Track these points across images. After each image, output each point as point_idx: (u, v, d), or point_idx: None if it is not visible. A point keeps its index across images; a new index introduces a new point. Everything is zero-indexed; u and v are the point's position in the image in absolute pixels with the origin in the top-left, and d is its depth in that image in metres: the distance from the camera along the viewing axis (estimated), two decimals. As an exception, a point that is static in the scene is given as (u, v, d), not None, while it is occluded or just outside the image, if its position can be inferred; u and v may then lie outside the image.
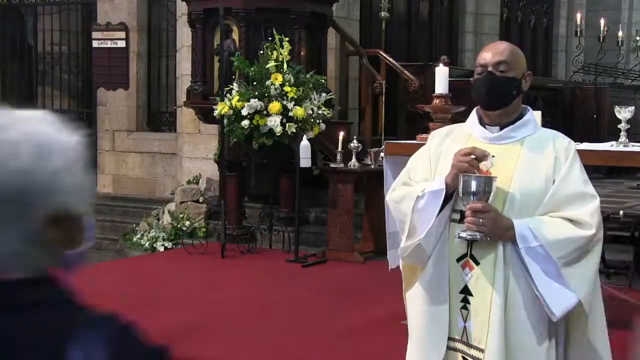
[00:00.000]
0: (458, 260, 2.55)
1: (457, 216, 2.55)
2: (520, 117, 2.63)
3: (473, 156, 2.49)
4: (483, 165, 2.55)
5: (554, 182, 2.52)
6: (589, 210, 2.49)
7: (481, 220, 2.44)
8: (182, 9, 8.87)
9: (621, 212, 6.29)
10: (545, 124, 3.01)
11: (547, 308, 2.46)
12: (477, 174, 2.49)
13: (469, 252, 2.53)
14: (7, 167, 1.15)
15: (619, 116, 4.80)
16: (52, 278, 1.23)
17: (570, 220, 2.48)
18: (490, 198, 2.47)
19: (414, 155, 2.81)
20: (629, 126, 4.76)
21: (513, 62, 2.58)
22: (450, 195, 2.53)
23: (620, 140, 4.70)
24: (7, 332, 1.15)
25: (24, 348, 1.15)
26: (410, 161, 2.79)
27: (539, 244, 2.44)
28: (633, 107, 4.84)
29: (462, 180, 2.48)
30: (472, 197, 2.46)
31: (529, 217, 2.48)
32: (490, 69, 2.57)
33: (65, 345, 1.15)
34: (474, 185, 2.46)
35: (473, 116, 2.69)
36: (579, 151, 2.66)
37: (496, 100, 2.59)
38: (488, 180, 2.46)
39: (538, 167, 2.53)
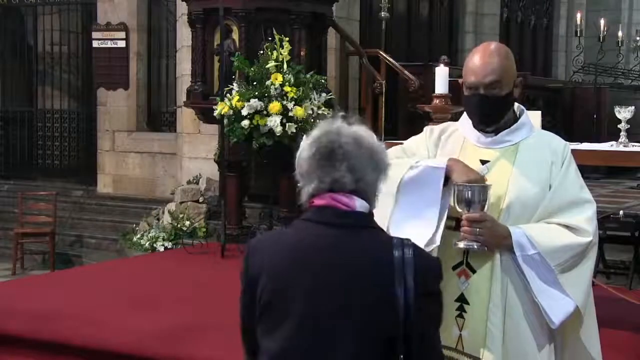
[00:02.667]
0: (454, 268, 2.51)
1: (452, 223, 2.50)
2: (515, 119, 2.58)
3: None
4: (478, 171, 2.52)
5: (550, 187, 2.49)
6: (586, 216, 2.47)
7: (478, 230, 2.41)
8: (182, 9, 8.87)
9: (621, 212, 6.28)
10: (545, 124, 3.00)
11: (546, 315, 2.45)
12: (472, 183, 2.45)
13: (464, 261, 2.50)
14: (369, 141, 1.93)
15: (619, 116, 4.80)
16: (371, 214, 1.96)
17: (567, 227, 2.46)
18: (486, 206, 2.43)
19: (409, 139, 2.73)
20: (629, 126, 4.76)
21: (504, 79, 2.49)
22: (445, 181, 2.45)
23: (620, 140, 4.70)
24: (362, 239, 1.90)
25: (372, 249, 1.89)
26: (406, 142, 2.71)
27: (536, 251, 2.42)
28: (633, 107, 4.84)
29: (457, 190, 2.44)
30: (467, 207, 2.42)
31: (525, 224, 2.46)
32: (481, 91, 2.49)
33: (390, 246, 1.88)
34: (469, 195, 2.41)
35: (467, 118, 2.63)
36: (580, 151, 2.65)
37: (491, 120, 2.54)
38: (483, 189, 2.42)
39: (534, 173, 2.50)
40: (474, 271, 2.48)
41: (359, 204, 1.90)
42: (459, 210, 2.45)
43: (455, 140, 2.63)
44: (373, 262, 1.86)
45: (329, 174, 1.89)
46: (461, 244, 2.45)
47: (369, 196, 1.94)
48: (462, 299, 2.50)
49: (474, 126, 2.59)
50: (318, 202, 1.91)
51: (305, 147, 1.96)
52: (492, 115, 2.53)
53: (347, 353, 1.82)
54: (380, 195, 2.40)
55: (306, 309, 1.84)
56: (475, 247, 2.43)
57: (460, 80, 2.60)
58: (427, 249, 2.47)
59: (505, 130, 2.56)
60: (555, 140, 2.59)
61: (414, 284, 1.82)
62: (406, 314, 1.82)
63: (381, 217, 2.53)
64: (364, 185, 1.91)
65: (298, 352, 1.85)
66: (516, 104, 2.61)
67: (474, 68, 2.50)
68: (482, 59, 2.50)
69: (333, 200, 1.89)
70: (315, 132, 1.98)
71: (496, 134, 2.56)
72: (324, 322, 1.83)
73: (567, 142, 2.66)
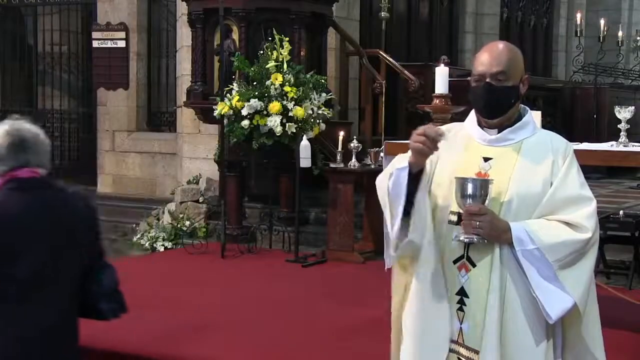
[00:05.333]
0: (455, 262, 2.54)
1: (454, 218, 2.54)
2: (519, 118, 2.61)
3: (424, 137, 2.43)
4: (481, 168, 2.55)
5: (551, 184, 2.51)
6: (586, 213, 2.49)
7: (478, 222, 2.43)
8: (182, 9, 8.87)
9: (621, 212, 6.29)
10: (545, 124, 3.01)
11: (543, 310, 2.46)
12: (474, 177, 2.48)
13: (465, 254, 2.52)
14: (41, 133, 2.90)
15: (619, 116, 4.80)
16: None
17: (567, 224, 2.48)
18: (487, 201, 2.46)
19: None
20: (629, 126, 4.77)
21: (511, 71, 2.54)
22: (417, 175, 2.49)
23: (620, 140, 4.70)
24: (61, 193, 2.85)
25: (70, 198, 2.87)
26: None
27: (535, 246, 2.44)
28: (633, 107, 4.84)
29: (458, 183, 2.47)
30: (468, 200, 2.45)
31: (525, 220, 2.48)
32: (488, 79, 2.53)
33: (76, 194, 2.90)
34: (470, 188, 2.45)
35: (472, 117, 2.67)
36: (580, 151, 2.66)
37: (495, 110, 2.57)
38: (484, 183, 2.46)
39: (536, 170, 2.52)
40: (474, 265, 2.51)
41: (42, 172, 2.80)
42: (460, 203, 2.48)
43: (460, 139, 2.66)
44: (76, 205, 2.86)
45: (22, 157, 2.75)
46: (461, 237, 2.48)
47: (46, 168, 2.83)
48: (462, 293, 2.53)
49: (479, 117, 2.63)
50: (21, 174, 2.74)
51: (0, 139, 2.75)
52: (497, 105, 2.56)
53: (71, 265, 2.78)
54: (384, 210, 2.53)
55: (45, 243, 2.69)
56: (475, 239, 2.46)
57: (468, 78, 2.64)
58: (396, 244, 2.53)
59: (509, 129, 2.59)
60: (557, 140, 2.62)
61: (93, 214, 2.95)
62: (96, 233, 2.93)
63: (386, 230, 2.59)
64: (44, 162, 2.81)
65: (44, 270, 2.68)
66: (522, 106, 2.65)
67: (482, 60, 2.57)
68: (491, 53, 2.57)
69: (33, 173, 2.76)
70: (3, 128, 2.78)
71: (499, 132, 2.59)
72: (57, 248, 2.72)
73: (570, 142, 2.67)
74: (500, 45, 2.61)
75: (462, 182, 2.47)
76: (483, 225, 2.44)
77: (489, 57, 2.55)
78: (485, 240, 2.46)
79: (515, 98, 2.58)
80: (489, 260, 2.49)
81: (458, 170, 2.55)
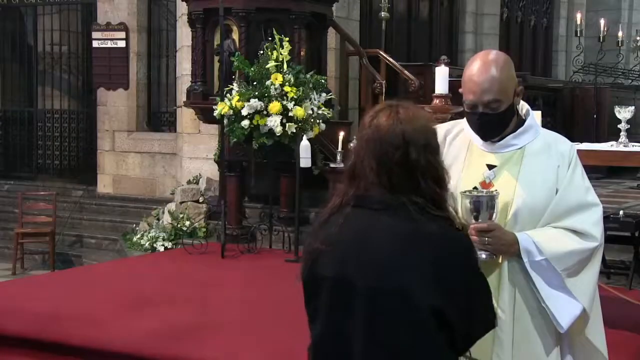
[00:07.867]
0: None
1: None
2: (521, 122, 2.56)
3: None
4: (485, 177, 2.51)
5: (556, 191, 2.48)
6: (592, 220, 2.47)
7: (486, 239, 2.39)
8: (182, 9, 8.87)
9: (621, 212, 6.28)
10: (545, 124, 2.99)
11: (554, 320, 2.44)
12: (480, 193, 2.43)
13: None
14: None
15: (619, 116, 4.80)
16: None
17: (574, 231, 2.45)
18: (495, 214, 2.40)
19: None
20: (629, 126, 4.77)
21: (504, 94, 2.44)
22: None
23: (620, 140, 4.70)
24: None
25: None
26: None
27: (543, 257, 2.41)
28: (633, 107, 4.84)
29: (465, 200, 2.41)
30: (476, 216, 2.40)
31: (532, 229, 2.45)
32: (481, 109, 2.46)
33: None
34: (477, 205, 2.39)
35: None
36: (580, 151, 2.63)
37: (493, 133, 2.53)
38: (491, 198, 2.40)
39: (541, 177, 2.49)
40: None
41: None
42: (468, 220, 2.42)
43: (461, 143, 2.61)
44: None
45: None
46: None
47: None
48: None
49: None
50: None
51: None
52: (494, 130, 2.52)
53: None
54: None
55: None
56: (484, 256, 2.41)
57: (460, 90, 2.55)
58: None
59: (511, 135, 2.54)
60: (561, 142, 2.58)
61: None
62: None
63: None
64: None
65: None
66: (524, 106, 2.59)
67: (471, 86, 2.45)
68: (479, 75, 2.44)
69: None
70: None
71: (502, 138, 2.55)
72: None
73: (573, 143, 2.64)
74: (488, 63, 2.45)
75: (469, 200, 2.40)
76: (492, 242, 2.39)
77: (479, 83, 2.43)
78: (494, 256, 2.42)
79: (511, 115, 2.52)
80: (497, 274, 2.46)
81: (462, 180, 2.51)
